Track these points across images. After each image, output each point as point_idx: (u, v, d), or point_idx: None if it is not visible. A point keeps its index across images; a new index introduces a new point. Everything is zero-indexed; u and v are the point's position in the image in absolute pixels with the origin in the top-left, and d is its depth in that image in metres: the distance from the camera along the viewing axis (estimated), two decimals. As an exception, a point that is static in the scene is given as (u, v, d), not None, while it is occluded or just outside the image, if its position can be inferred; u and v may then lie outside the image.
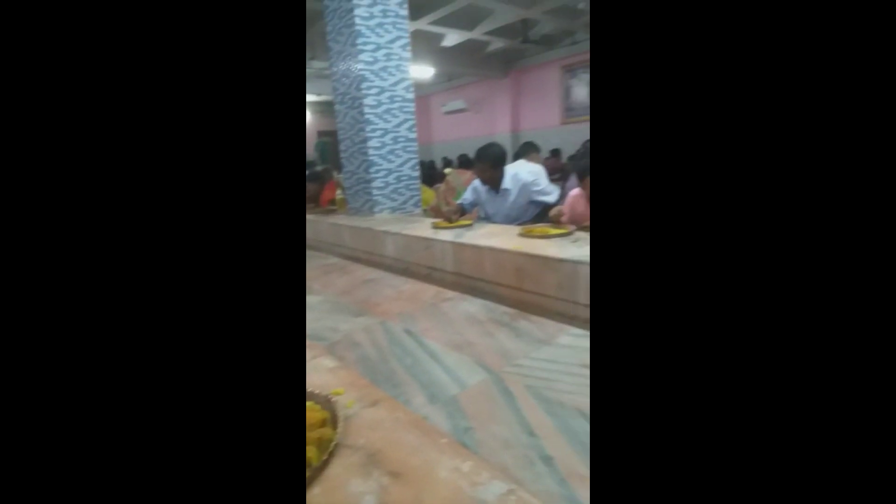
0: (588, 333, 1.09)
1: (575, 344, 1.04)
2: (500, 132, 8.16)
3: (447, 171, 3.91)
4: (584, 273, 1.13)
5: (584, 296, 1.15)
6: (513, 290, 1.36)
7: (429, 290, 1.55)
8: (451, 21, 5.65)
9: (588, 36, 6.41)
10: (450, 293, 1.49)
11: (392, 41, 2.28)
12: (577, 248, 1.26)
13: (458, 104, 8.95)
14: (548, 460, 0.65)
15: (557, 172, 4.63)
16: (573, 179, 2.53)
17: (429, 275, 1.70)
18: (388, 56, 2.28)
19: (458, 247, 1.55)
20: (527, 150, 2.99)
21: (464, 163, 4.39)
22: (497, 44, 6.63)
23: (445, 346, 1.07)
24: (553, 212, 1.70)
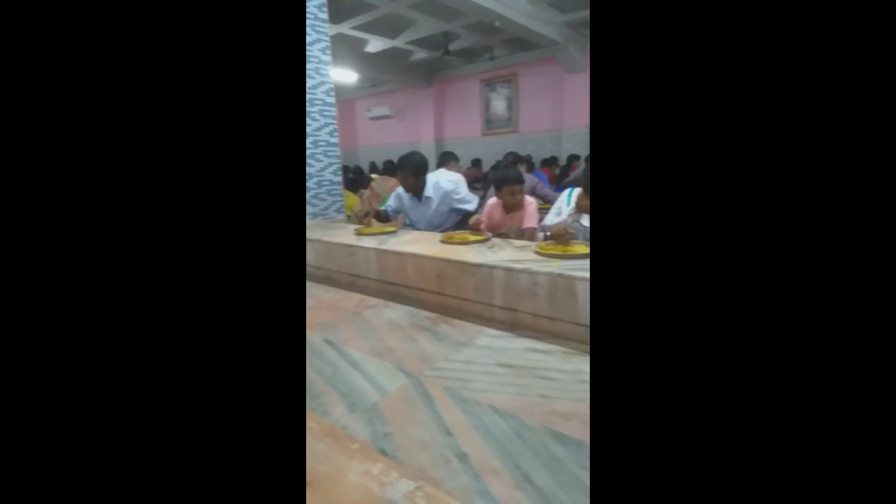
0: (503, 334, 1.15)
1: (491, 344, 1.10)
2: (425, 140, 8.28)
3: (373, 176, 3.88)
4: (498, 276, 1.20)
5: (498, 298, 1.21)
6: (434, 294, 1.39)
7: (351, 299, 1.52)
8: (374, 28, 5.63)
9: (505, 53, 6.78)
10: (373, 300, 1.48)
11: (311, 43, 2.22)
12: (493, 254, 1.33)
13: (383, 110, 8.91)
14: (463, 457, 0.68)
15: (479, 182, 4.81)
16: (493, 189, 2.66)
17: (352, 283, 1.67)
18: (307, 58, 2.22)
19: (382, 253, 1.55)
20: (447, 160, 3.08)
21: (388, 169, 4.38)
22: (420, 54, 6.74)
23: (367, 354, 1.06)
24: (472, 220, 1.78)
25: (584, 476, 0.63)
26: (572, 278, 1.07)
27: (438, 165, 3.05)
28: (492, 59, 7.08)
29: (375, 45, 6.33)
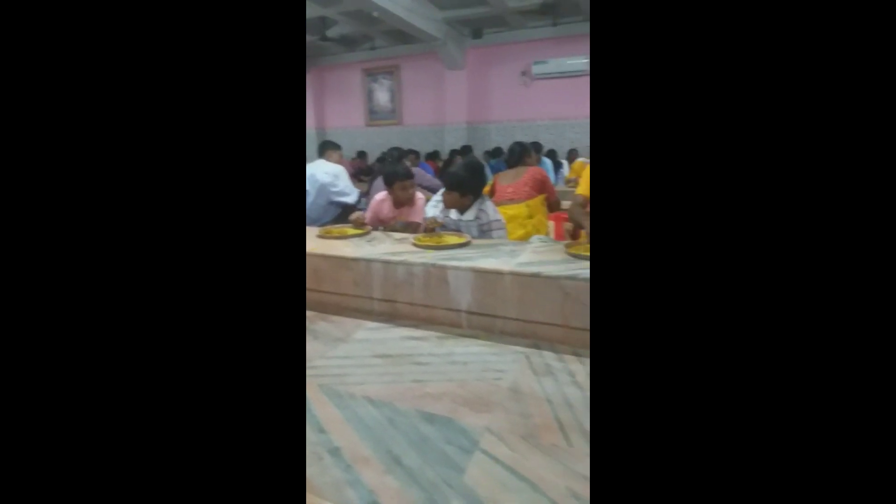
0: (382, 325, 1.17)
1: (369, 337, 1.10)
2: (305, 128, 7.82)
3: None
4: (377, 269, 1.21)
5: (377, 291, 1.22)
6: (312, 292, 1.34)
7: (216, 302, 1.38)
8: (239, 2, 5.09)
9: (386, 44, 6.72)
10: (242, 303, 1.37)
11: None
12: (372, 247, 1.33)
13: (254, 95, 8.16)
14: (335, 451, 0.68)
15: (363, 173, 4.73)
16: (378, 182, 2.63)
17: (217, 285, 1.52)
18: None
19: (250, 252, 1.43)
20: (325, 149, 2.95)
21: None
22: (295, 36, 6.31)
23: (233, 361, 0.98)
24: (353, 216, 1.74)
25: (450, 450, 0.68)
26: (444, 267, 1.13)
27: (319, 155, 2.90)
28: (373, 48, 6.94)
29: (242, 21, 5.74)
